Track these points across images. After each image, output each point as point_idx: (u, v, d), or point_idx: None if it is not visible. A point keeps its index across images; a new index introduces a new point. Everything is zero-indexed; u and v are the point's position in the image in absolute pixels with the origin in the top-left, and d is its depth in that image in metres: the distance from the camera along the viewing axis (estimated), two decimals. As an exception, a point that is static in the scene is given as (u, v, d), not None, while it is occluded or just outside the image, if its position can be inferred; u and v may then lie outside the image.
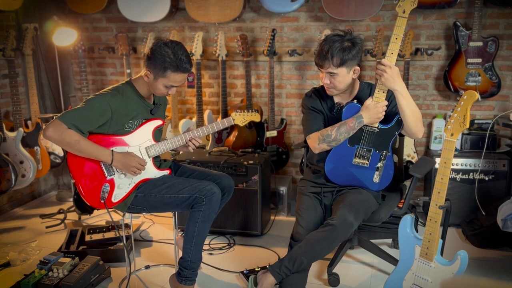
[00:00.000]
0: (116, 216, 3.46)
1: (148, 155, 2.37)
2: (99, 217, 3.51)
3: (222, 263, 2.84)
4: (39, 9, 3.87)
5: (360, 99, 2.37)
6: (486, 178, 3.18)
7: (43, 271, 2.57)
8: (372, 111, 2.27)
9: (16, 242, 3.17)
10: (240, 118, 2.52)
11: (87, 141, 2.20)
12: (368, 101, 2.28)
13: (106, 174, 2.31)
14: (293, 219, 2.46)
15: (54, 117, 2.21)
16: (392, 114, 2.34)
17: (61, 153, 3.66)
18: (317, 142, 2.36)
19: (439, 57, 3.48)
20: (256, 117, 2.55)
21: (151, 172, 2.40)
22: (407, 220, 2.14)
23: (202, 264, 2.71)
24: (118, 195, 2.34)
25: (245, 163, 3.08)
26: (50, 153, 3.62)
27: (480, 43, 3.20)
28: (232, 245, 3.10)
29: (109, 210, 2.31)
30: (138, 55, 3.95)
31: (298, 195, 2.50)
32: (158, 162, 2.50)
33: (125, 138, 2.32)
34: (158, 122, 2.40)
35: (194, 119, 3.74)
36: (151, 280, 2.67)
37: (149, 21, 3.71)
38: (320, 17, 3.61)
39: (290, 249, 2.31)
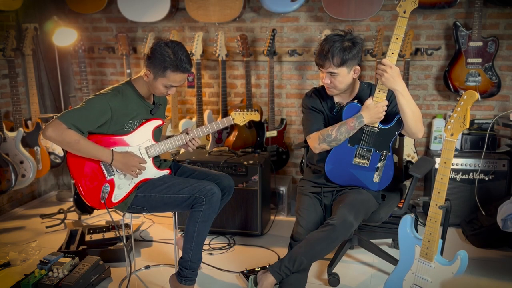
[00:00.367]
0: (116, 216, 3.46)
1: (148, 155, 2.37)
2: (99, 217, 3.51)
3: (222, 263, 2.84)
4: (39, 9, 3.87)
5: (361, 99, 2.37)
6: (486, 178, 3.18)
7: (43, 271, 2.57)
8: (373, 111, 2.27)
9: (16, 242, 3.17)
10: (240, 118, 2.52)
11: (87, 141, 2.20)
12: (369, 101, 2.28)
13: (106, 174, 2.31)
14: (293, 219, 2.46)
15: (54, 117, 2.21)
16: (392, 114, 2.34)
17: (61, 153, 3.66)
18: (317, 142, 2.36)
19: (439, 57, 3.48)
20: (255, 116, 2.55)
21: (151, 172, 2.40)
22: (407, 220, 2.14)
23: (202, 264, 2.71)
24: (118, 195, 2.34)
25: (245, 163, 3.08)
26: (50, 153, 3.62)
27: (480, 43, 3.20)
28: (232, 245, 3.10)
29: (109, 210, 2.31)
30: (138, 55, 3.95)
31: (298, 195, 2.50)
32: (158, 162, 2.50)
33: (125, 138, 2.32)
34: (158, 122, 2.40)
35: (194, 119, 3.74)
36: (151, 280, 2.67)
37: (149, 21, 3.71)
38: (320, 17, 3.61)
39: (290, 249, 2.31)
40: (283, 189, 3.56)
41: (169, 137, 2.44)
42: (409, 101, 2.22)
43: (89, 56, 4.10)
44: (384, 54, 3.10)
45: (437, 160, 3.04)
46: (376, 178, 2.37)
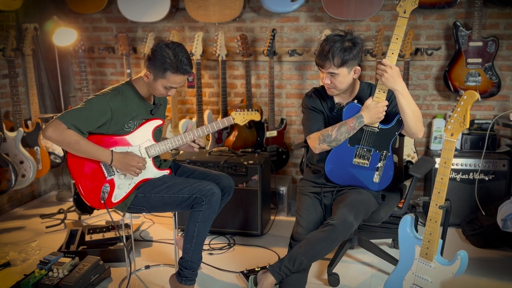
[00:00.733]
0: (116, 216, 3.46)
1: (148, 155, 2.37)
2: (99, 217, 3.51)
3: (222, 263, 2.84)
4: (39, 9, 3.87)
5: (361, 99, 2.37)
6: (486, 178, 3.18)
7: (43, 271, 2.57)
8: (373, 111, 2.27)
9: (16, 242, 3.17)
10: (240, 117, 2.52)
11: (86, 141, 2.20)
12: (369, 101, 2.28)
13: (106, 175, 2.31)
14: (293, 219, 2.46)
15: (54, 117, 2.21)
16: (392, 114, 2.34)
17: (61, 153, 3.66)
18: (317, 142, 2.36)
19: (439, 57, 3.48)
20: (255, 116, 2.55)
21: (151, 172, 2.40)
22: (407, 220, 2.14)
23: (202, 264, 2.71)
24: (118, 195, 2.34)
25: (245, 163, 3.08)
26: (50, 153, 3.62)
27: (480, 43, 3.20)
28: (232, 245, 3.10)
29: (109, 210, 2.31)
30: (138, 55, 3.95)
31: (298, 195, 2.50)
32: (158, 162, 2.50)
33: (125, 138, 2.32)
34: (158, 122, 2.40)
35: (194, 119, 3.74)
36: (151, 280, 2.67)
37: (149, 21, 3.71)
38: (320, 17, 3.61)
39: (290, 249, 2.31)
40: (283, 189, 3.56)
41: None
42: (409, 101, 2.22)
43: (89, 56, 4.10)
44: (384, 54, 3.10)
45: (437, 160, 3.04)
46: (376, 178, 2.37)
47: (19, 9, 3.49)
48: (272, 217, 3.46)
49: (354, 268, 2.78)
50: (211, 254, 2.97)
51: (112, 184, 2.32)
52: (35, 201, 3.96)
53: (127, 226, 3.07)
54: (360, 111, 2.29)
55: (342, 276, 2.61)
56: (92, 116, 2.20)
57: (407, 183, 2.65)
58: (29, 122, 3.62)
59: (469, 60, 3.23)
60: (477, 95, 1.91)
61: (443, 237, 2.24)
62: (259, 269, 2.66)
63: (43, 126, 3.52)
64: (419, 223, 3.11)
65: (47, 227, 3.37)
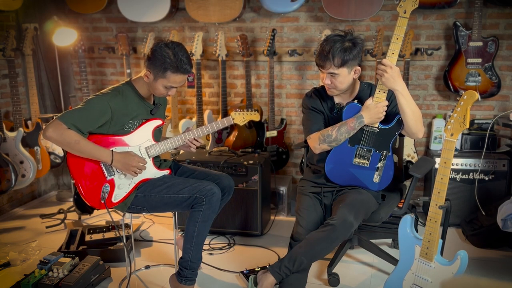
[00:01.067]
0: (116, 216, 3.46)
1: (148, 155, 2.37)
2: (99, 217, 3.51)
3: (222, 263, 2.84)
4: (39, 9, 3.87)
5: (361, 99, 2.37)
6: (486, 178, 3.18)
7: (43, 271, 2.57)
8: (373, 111, 2.27)
9: (16, 242, 3.17)
10: (240, 118, 2.52)
11: (87, 141, 2.20)
12: (369, 101, 2.28)
13: (106, 175, 2.31)
14: (293, 219, 2.46)
15: (54, 117, 2.21)
16: (392, 114, 2.34)
17: (61, 153, 3.66)
18: (317, 142, 2.36)
19: (439, 57, 3.48)
20: (255, 116, 2.55)
21: (151, 172, 2.40)
22: (407, 220, 2.14)
23: (202, 264, 2.71)
24: (118, 195, 2.34)
25: (245, 163, 3.08)
26: (50, 153, 3.62)
27: (480, 43, 3.20)
28: (232, 245, 3.10)
29: (109, 210, 2.31)
30: (138, 55, 3.95)
31: (298, 195, 2.50)
32: (158, 162, 2.51)
33: (125, 138, 2.32)
34: (158, 122, 2.40)
35: (194, 119, 3.74)
36: (151, 280, 2.67)
37: (149, 21, 3.71)
38: (320, 17, 3.61)
39: (290, 249, 2.32)
40: (283, 189, 3.56)
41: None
42: (409, 101, 2.22)
43: (89, 56, 4.10)
44: (384, 54, 3.10)
45: (437, 160, 3.04)
46: (376, 178, 2.37)
47: (19, 9, 3.49)
48: (272, 217, 3.46)
49: (354, 268, 2.78)
50: (211, 254, 2.97)
51: (112, 184, 2.32)
52: (35, 201, 3.96)
53: (127, 226, 3.07)
54: (360, 111, 2.29)
55: (342, 276, 2.61)
56: (92, 116, 2.20)
57: (407, 183, 2.65)
58: (29, 122, 3.62)
59: (469, 60, 3.23)
60: (477, 95, 1.91)
61: (443, 237, 2.24)
62: (259, 269, 2.66)
63: (43, 126, 3.52)
64: (419, 223, 3.11)
65: (47, 227, 3.37)
